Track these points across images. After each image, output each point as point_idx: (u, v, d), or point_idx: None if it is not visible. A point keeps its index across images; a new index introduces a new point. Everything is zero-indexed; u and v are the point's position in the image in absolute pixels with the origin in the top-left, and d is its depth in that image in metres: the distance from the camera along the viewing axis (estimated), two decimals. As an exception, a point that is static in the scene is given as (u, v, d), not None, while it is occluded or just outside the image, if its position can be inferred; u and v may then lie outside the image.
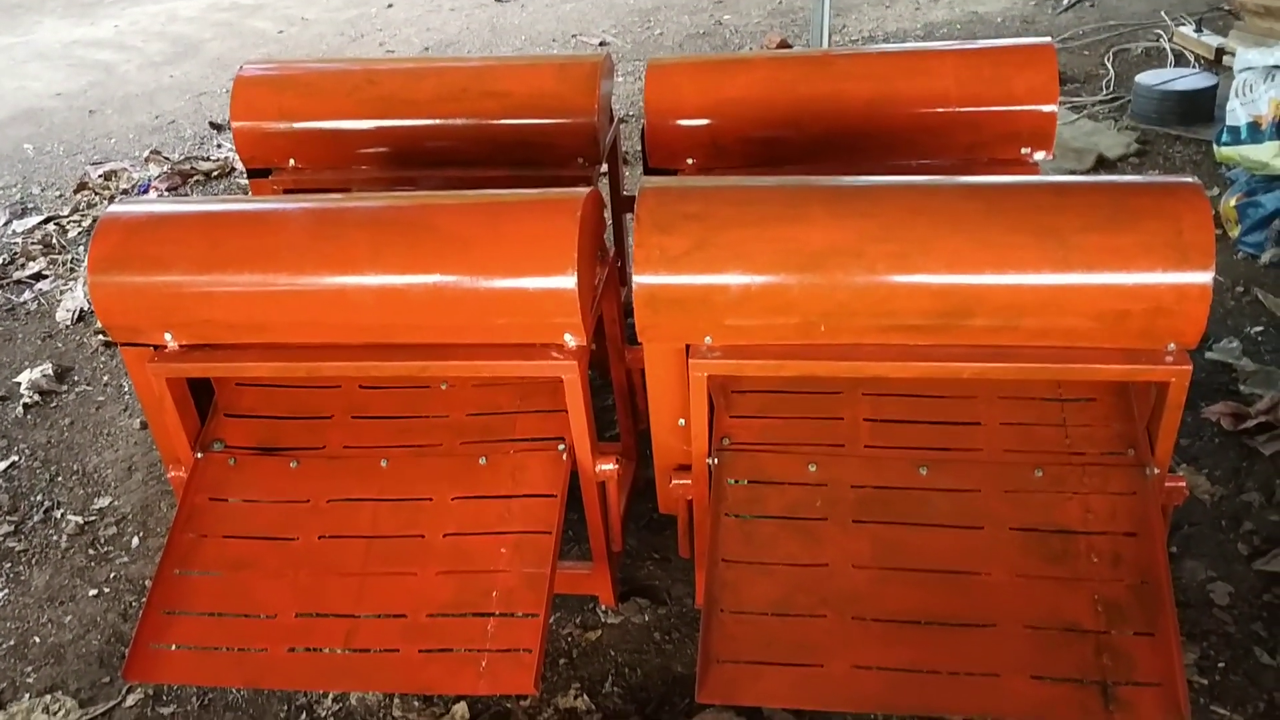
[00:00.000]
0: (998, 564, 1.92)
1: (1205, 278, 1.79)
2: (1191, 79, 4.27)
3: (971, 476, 2.03)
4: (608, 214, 2.88)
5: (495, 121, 2.67)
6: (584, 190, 2.02)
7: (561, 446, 2.12)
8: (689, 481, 2.11)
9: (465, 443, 2.21)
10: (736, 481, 2.08)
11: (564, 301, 1.94)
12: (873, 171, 2.35)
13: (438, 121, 2.72)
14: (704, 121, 2.64)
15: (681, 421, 2.07)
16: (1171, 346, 1.86)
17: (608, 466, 2.11)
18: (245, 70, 2.81)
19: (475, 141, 2.70)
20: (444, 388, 2.30)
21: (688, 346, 1.98)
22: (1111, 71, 4.73)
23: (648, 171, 2.70)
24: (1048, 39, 2.56)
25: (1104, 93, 4.57)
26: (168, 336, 2.10)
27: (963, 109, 2.55)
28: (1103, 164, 4.00)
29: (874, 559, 1.95)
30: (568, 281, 1.92)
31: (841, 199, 1.94)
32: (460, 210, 2.05)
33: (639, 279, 1.90)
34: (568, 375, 2.00)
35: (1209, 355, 2.92)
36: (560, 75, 2.70)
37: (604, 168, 2.79)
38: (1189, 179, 1.87)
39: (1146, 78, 4.30)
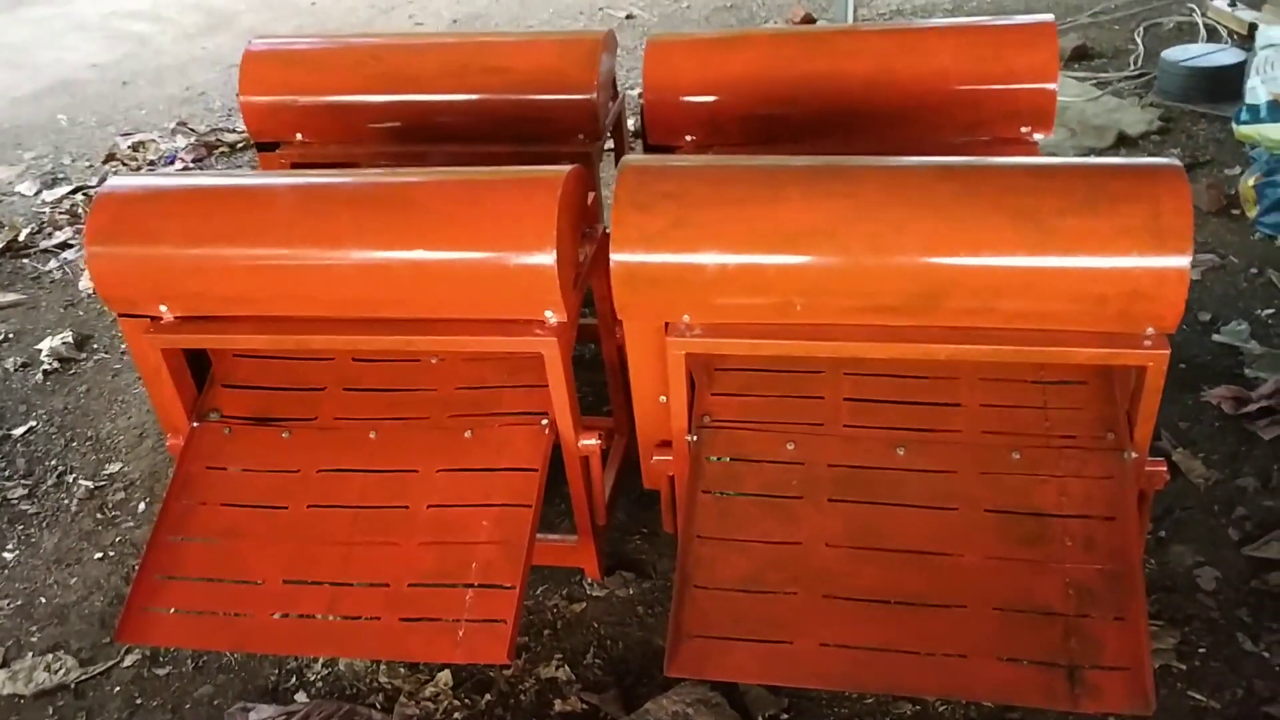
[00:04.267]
0: (970, 545, 1.93)
1: (1183, 262, 1.77)
2: (1219, 55, 4.18)
3: (949, 458, 2.03)
4: (609, 191, 2.90)
5: (497, 97, 2.69)
6: (565, 168, 2.03)
7: (544, 421, 2.14)
8: (670, 458, 2.13)
9: (452, 416, 2.24)
10: (716, 459, 2.09)
11: (544, 278, 1.96)
12: (872, 150, 2.34)
13: (441, 97, 2.74)
14: (703, 98, 2.64)
15: (663, 398, 2.09)
16: (1149, 330, 1.84)
17: (590, 442, 2.14)
18: (254, 45, 2.85)
19: (478, 117, 2.72)
20: (434, 362, 2.33)
21: (666, 324, 1.99)
22: (1141, 47, 4.65)
23: (647, 149, 2.71)
24: (1049, 16, 2.53)
25: (1131, 68, 4.49)
26: (163, 308, 2.14)
27: (962, 87, 2.53)
28: (1123, 142, 3.94)
29: (847, 538, 1.96)
30: (547, 259, 1.94)
31: (818, 179, 1.94)
32: (443, 188, 2.08)
33: (616, 256, 1.92)
34: (548, 351, 2.02)
35: (1216, 338, 2.89)
36: (561, 52, 2.71)
37: (610, 143, 2.81)
38: (1170, 161, 1.85)
39: (1173, 53, 4.22)
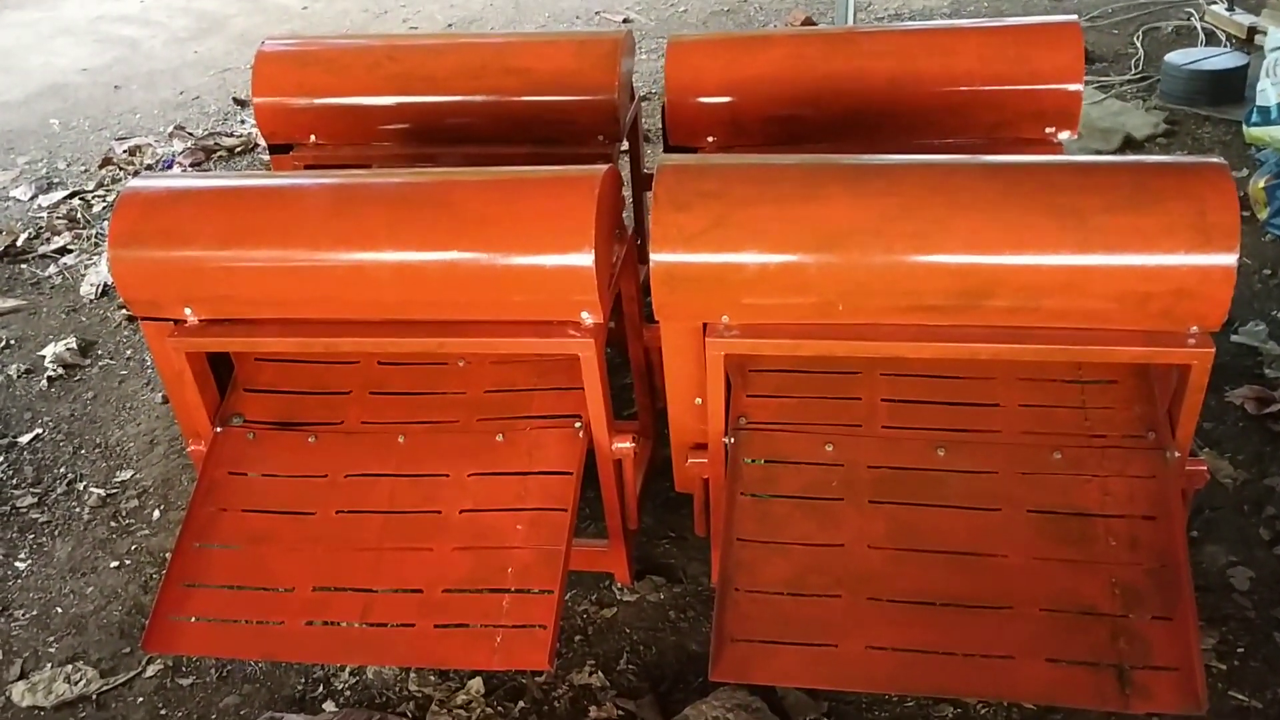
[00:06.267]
0: (1014, 546, 1.91)
1: (1229, 260, 1.77)
2: (1221, 58, 4.20)
3: (989, 458, 2.02)
4: (628, 192, 2.88)
5: (515, 98, 2.67)
6: (602, 168, 2.01)
7: (578, 424, 2.12)
8: (705, 460, 2.10)
9: (482, 419, 2.21)
10: (753, 461, 2.07)
11: (581, 279, 1.93)
12: (895, 150, 2.33)
13: (458, 98, 2.71)
14: (724, 99, 2.63)
15: (698, 400, 2.07)
16: (1194, 329, 1.84)
17: (624, 444, 2.11)
18: (267, 46, 2.81)
19: (495, 118, 2.70)
20: (462, 365, 2.30)
21: (705, 325, 1.97)
22: (1141, 50, 4.66)
23: (668, 149, 2.69)
24: (1074, 17, 2.53)
25: (1133, 72, 4.50)
26: (187, 311, 2.11)
27: (986, 88, 2.53)
28: (1130, 144, 3.95)
29: (889, 540, 1.94)
30: (585, 259, 1.92)
31: (860, 178, 1.92)
32: (478, 187, 2.05)
33: (656, 257, 1.89)
34: (584, 353, 2.00)
35: (1234, 338, 2.89)
36: (580, 52, 2.68)
37: (625, 145, 2.78)
38: (1214, 159, 1.85)
39: (1175, 57, 4.24)
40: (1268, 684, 2.03)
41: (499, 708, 2.10)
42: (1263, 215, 3.37)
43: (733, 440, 2.07)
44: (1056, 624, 1.82)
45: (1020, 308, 1.86)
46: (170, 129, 4.94)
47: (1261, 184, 3.38)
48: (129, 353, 3.35)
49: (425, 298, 2.02)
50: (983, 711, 2.01)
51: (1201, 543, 2.31)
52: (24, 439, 3.01)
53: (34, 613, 2.44)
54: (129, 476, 2.83)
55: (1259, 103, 3.46)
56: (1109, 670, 1.76)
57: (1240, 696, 2.01)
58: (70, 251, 3.97)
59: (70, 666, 2.28)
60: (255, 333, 2.13)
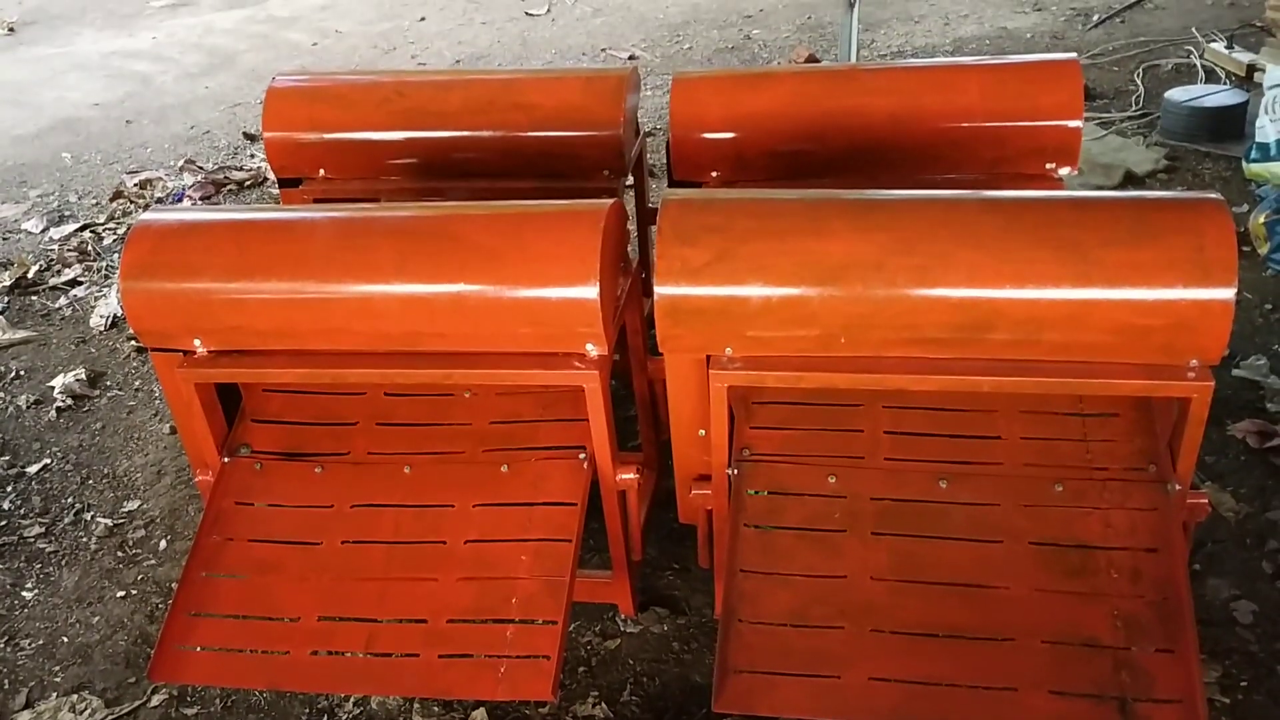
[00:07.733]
0: (1016, 578, 1.92)
1: (1228, 294, 1.79)
2: (1221, 95, 4.25)
3: (991, 490, 2.03)
4: (632, 226, 2.91)
5: (522, 133, 2.70)
6: (607, 201, 2.04)
7: (582, 455, 2.13)
8: (709, 492, 2.12)
9: (487, 450, 2.23)
10: (756, 492, 2.09)
11: (586, 311, 1.96)
12: (897, 185, 2.35)
13: (465, 133, 2.74)
14: (729, 135, 2.66)
15: (702, 432, 2.08)
16: (1194, 362, 1.85)
17: (628, 475, 2.13)
18: (277, 82, 2.85)
19: (502, 153, 2.73)
20: (467, 396, 2.32)
21: (708, 357, 1.99)
22: (1141, 87, 4.71)
23: (673, 184, 2.72)
24: (1073, 55, 2.56)
25: (1133, 109, 4.55)
26: (197, 342, 2.13)
27: (987, 124, 2.55)
28: (1131, 180, 3.98)
29: (892, 571, 1.95)
30: (590, 292, 1.94)
31: (862, 212, 1.95)
32: (485, 220, 2.08)
33: (660, 290, 1.92)
34: (589, 385, 2.02)
35: (1236, 372, 2.91)
36: (587, 88, 2.72)
37: (630, 180, 2.82)
38: (1212, 194, 1.87)
39: (1176, 94, 4.28)
40: (1271, 718, 2.03)
41: (502, 739, 2.10)
42: (1263, 250, 3.39)
43: (736, 472, 2.09)
44: (1059, 656, 1.83)
45: (1021, 341, 1.88)
46: (181, 163, 5.00)
47: (1262, 220, 3.41)
48: (137, 384, 3.38)
49: (432, 330, 2.05)
50: (986, 744, 2.01)
51: (1204, 576, 2.32)
52: (32, 469, 3.03)
53: (40, 642, 2.45)
54: (136, 507, 2.85)
55: (1258, 139, 3.49)
56: (1111, 703, 1.77)
57: (1244, 730, 2.01)
58: (80, 283, 4.01)
59: (75, 696, 2.28)
60: (264, 364, 2.15)
